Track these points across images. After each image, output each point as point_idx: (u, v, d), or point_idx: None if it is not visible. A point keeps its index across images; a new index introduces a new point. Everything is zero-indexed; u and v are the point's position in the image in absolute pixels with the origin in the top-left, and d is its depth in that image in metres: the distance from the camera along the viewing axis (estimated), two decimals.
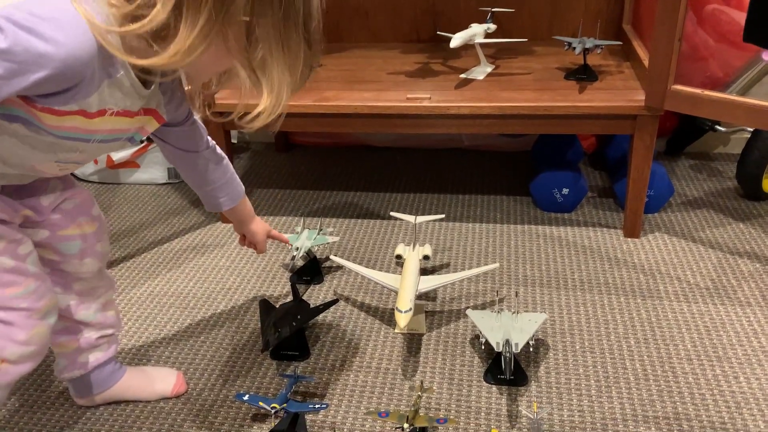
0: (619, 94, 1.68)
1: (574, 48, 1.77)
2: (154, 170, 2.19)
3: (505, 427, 1.23)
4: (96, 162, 2.17)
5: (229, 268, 1.74)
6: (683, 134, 2.15)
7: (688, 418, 1.24)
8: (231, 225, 1.92)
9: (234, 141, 2.40)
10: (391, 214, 1.78)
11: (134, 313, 1.58)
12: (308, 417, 1.26)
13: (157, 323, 1.54)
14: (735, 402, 1.26)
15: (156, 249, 1.84)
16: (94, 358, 1.25)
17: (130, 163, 2.18)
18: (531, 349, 1.40)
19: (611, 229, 1.83)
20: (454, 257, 1.74)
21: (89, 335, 1.22)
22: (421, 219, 1.70)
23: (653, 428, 1.22)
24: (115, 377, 1.29)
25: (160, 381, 1.32)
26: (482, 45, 1.85)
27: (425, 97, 1.69)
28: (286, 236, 1.53)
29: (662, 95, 1.56)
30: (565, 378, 1.34)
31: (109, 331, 1.25)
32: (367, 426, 1.25)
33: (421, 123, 1.71)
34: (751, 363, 1.35)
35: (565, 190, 1.88)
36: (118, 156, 2.15)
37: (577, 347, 1.42)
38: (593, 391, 1.30)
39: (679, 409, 1.26)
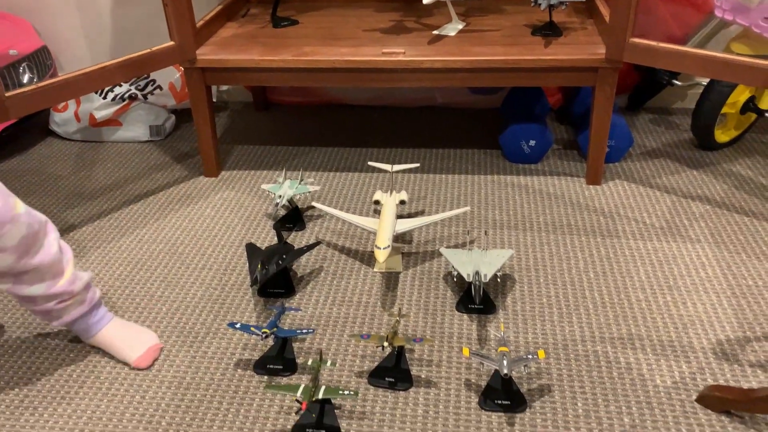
0: (581, 48, 1.78)
1: (540, 4, 1.86)
2: (136, 128, 2.25)
3: (475, 348, 1.35)
4: (79, 120, 2.22)
5: (214, 217, 1.82)
6: (643, 90, 2.27)
7: (640, 338, 1.37)
8: (214, 178, 2.01)
9: (213, 100, 2.45)
10: (369, 163, 1.88)
11: (125, 259, 1.66)
12: (295, 345, 1.37)
13: (147, 267, 1.63)
14: (682, 324, 1.40)
15: (142, 201, 1.91)
16: (67, 315, 1.30)
17: (113, 122, 2.23)
18: (498, 281, 1.52)
19: (574, 178, 1.95)
20: (428, 205, 1.85)
21: (45, 304, 1.26)
22: (397, 168, 1.80)
23: (609, 347, 1.35)
24: (95, 329, 1.35)
25: (130, 348, 1.34)
26: (454, 3, 1.93)
27: (400, 52, 1.77)
28: None
29: (621, 48, 1.67)
30: (529, 306, 1.46)
31: (65, 297, 1.27)
32: (350, 349, 1.36)
33: (396, 77, 1.79)
34: (698, 291, 1.49)
35: (532, 142, 1.99)
36: (100, 114, 2.21)
37: (541, 280, 1.54)
38: (555, 318, 1.43)
39: (633, 330, 1.39)
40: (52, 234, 1.24)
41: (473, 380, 1.28)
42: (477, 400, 1.23)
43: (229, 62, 1.82)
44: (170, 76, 2.24)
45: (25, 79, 2.12)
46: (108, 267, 1.63)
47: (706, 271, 1.55)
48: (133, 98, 2.21)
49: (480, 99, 2.37)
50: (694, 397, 1.22)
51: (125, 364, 1.34)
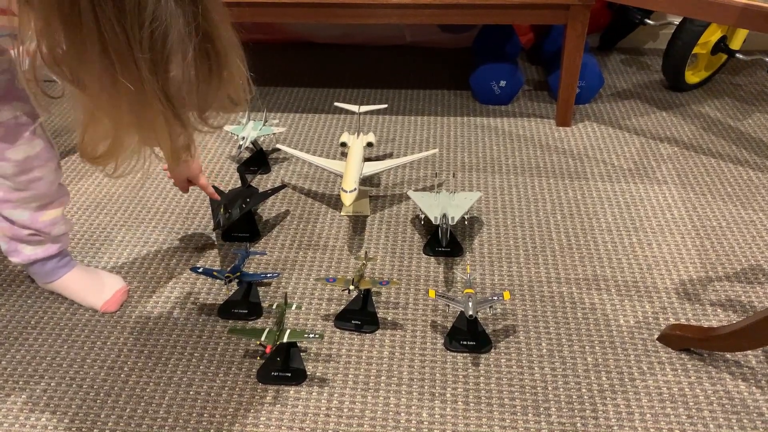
0: None
1: None
2: None
3: (441, 290, 1.35)
4: None
5: None
6: (615, 29, 2.23)
7: (605, 278, 1.38)
8: None
9: None
10: (335, 104, 1.83)
11: (83, 203, 1.61)
12: (261, 289, 1.35)
13: (107, 211, 1.58)
14: (647, 264, 1.41)
15: None
16: (32, 252, 1.26)
17: None
18: (466, 223, 1.51)
19: (544, 119, 1.93)
20: (397, 147, 1.82)
21: (19, 230, 1.23)
22: (364, 108, 1.76)
23: (574, 288, 1.36)
24: (57, 274, 1.31)
25: (96, 292, 1.31)
26: None
27: None
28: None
29: None
30: (496, 249, 1.46)
31: (41, 234, 1.24)
32: (317, 293, 1.34)
33: (363, 12, 1.73)
34: (663, 232, 1.50)
35: (503, 83, 1.96)
36: None
37: (509, 223, 1.53)
38: (522, 259, 1.43)
39: (598, 271, 1.40)
40: (58, 171, 1.22)
41: (439, 322, 1.28)
42: (442, 341, 1.23)
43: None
44: None
45: None
46: (66, 211, 1.58)
47: (672, 212, 1.56)
48: None
49: (450, 38, 2.31)
50: (656, 336, 1.24)
51: (92, 309, 1.31)
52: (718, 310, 1.30)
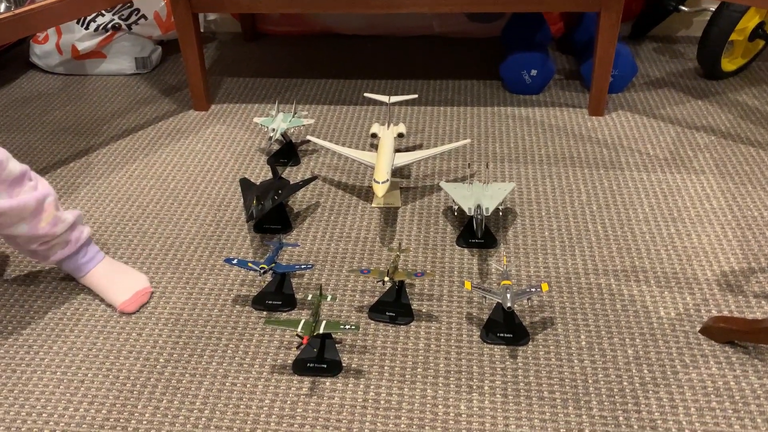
0: None
1: None
2: (121, 61, 2.16)
3: (476, 282, 1.33)
4: (61, 52, 2.12)
5: (206, 152, 1.76)
6: (648, 16, 2.19)
7: (644, 270, 1.35)
8: (204, 112, 1.94)
9: (200, 30, 2.35)
10: (365, 95, 1.81)
11: (115, 195, 1.61)
12: (293, 280, 1.34)
13: (139, 203, 1.58)
14: (686, 255, 1.38)
15: (131, 136, 1.85)
16: (53, 256, 1.27)
17: (96, 54, 2.14)
18: (500, 214, 1.48)
19: (577, 109, 1.89)
20: (427, 138, 1.80)
21: (29, 245, 1.24)
22: (395, 99, 1.74)
23: (612, 279, 1.33)
24: (84, 269, 1.31)
25: (116, 291, 1.30)
26: None
27: None
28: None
29: None
30: (531, 240, 1.43)
31: (47, 239, 1.24)
32: (350, 284, 1.33)
33: (394, 2, 1.71)
34: (702, 222, 1.46)
35: (534, 72, 1.93)
36: (83, 46, 2.11)
37: (543, 213, 1.51)
38: (558, 251, 1.40)
39: (636, 263, 1.37)
40: (28, 183, 1.20)
41: (474, 314, 1.26)
42: (479, 333, 1.22)
43: None
44: (155, 4, 2.13)
45: (2, 7, 2.01)
46: (98, 204, 1.59)
47: (710, 202, 1.52)
48: (116, 28, 2.11)
49: (479, 27, 2.28)
50: (698, 329, 1.21)
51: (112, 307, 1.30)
52: (762, 302, 1.26)
